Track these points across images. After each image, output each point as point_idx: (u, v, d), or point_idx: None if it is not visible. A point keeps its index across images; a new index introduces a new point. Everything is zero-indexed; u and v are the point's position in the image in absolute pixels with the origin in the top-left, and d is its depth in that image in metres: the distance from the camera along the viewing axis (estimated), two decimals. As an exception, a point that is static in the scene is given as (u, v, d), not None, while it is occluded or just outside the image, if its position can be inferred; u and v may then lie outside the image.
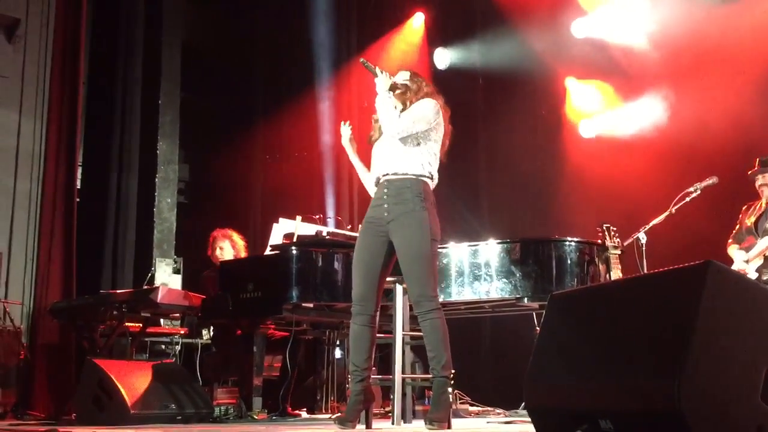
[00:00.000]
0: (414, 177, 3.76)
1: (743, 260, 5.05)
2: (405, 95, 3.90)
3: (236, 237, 5.95)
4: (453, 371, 3.73)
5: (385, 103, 3.82)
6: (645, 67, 7.34)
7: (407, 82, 3.94)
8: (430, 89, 3.96)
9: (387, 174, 3.81)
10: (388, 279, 4.04)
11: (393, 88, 3.89)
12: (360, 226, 3.93)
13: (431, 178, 3.83)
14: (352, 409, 3.72)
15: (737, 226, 5.29)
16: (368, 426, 3.87)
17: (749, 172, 5.19)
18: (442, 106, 3.91)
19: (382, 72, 3.90)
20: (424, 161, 3.80)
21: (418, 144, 3.78)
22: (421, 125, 3.78)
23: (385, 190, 3.80)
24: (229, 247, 5.85)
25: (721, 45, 6.48)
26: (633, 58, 7.48)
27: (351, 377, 3.78)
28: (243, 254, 5.87)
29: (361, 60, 3.99)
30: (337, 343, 5.94)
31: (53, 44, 6.74)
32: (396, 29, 8.75)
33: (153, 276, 7.13)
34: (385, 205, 3.78)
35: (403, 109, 3.88)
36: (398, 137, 3.76)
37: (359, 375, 3.74)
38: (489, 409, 5.97)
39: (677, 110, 6.84)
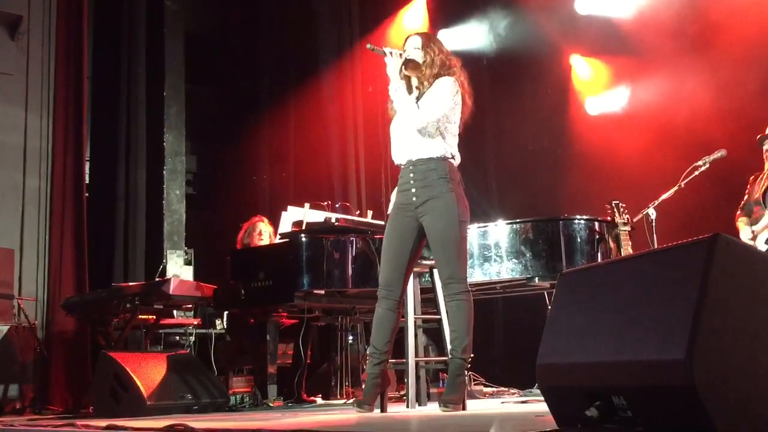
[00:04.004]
0: (437, 158, 3.74)
1: (749, 235, 5.04)
2: (421, 71, 3.79)
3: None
4: (472, 355, 3.74)
5: (401, 96, 3.74)
6: (650, 42, 7.28)
7: (420, 54, 3.81)
8: (447, 59, 3.85)
9: (410, 159, 3.79)
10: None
11: (407, 64, 3.77)
12: (389, 211, 3.92)
13: (453, 158, 3.81)
14: (369, 391, 3.73)
15: (745, 197, 5.26)
16: (383, 410, 3.88)
17: (758, 137, 5.15)
18: (462, 82, 3.83)
19: (391, 53, 3.78)
20: (446, 143, 3.78)
21: (438, 127, 3.75)
22: (440, 111, 3.72)
23: (411, 175, 3.78)
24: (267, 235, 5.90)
25: (726, 18, 6.42)
26: (638, 34, 7.42)
27: (369, 359, 3.78)
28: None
29: (368, 45, 3.88)
30: (350, 328, 5.96)
31: (56, 40, 6.75)
32: (398, 12, 8.71)
33: (164, 268, 7.17)
34: (413, 190, 3.76)
35: (420, 87, 3.78)
36: (419, 127, 3.72)
37: (378, 358, 3.74)
38: (503, 389, 5.99)
39: (684, 84, 6.79)
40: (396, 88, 3.77)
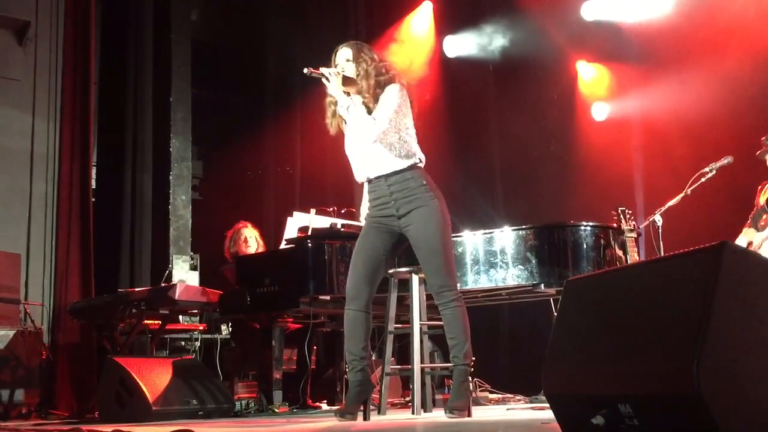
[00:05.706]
0: (409, 167, 3.70)
1: (747, 240, 5.00)
2: (356, 84, 3.72)
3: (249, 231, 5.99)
4: (473, 359, 3.72)
5: (354, 113, 3.65)
6: (656, 48, 7.28)
7: (353, 66, 3.74)
8: (381, 66, 3.77)
9: (382, 173, 3.72)
10: (404, 269, 4.06)
11: (343, 81, 3.70)
12: (364, 224, 3.86)
13: (421, 161, 3.76)
14: (353, 399, 3.66)
15: (754, 208, 5.24)
16: (365, 418, 3.79)
17: (758, 153, 5.11)
18: (405, 83, 3.77)
19: (329, 74, 3.69)
20: (411, 148, 3.73)
21: (398, 133, 3.69)
22: (394, 116, 3.66)
23: (387, 188, 3.71)
24: (254, 241, 5.91)
25: (733, 23, 6.42)
26: (644, 39, 7.42)
27: (348, 367, 3.71)
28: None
29: (305, 70, 3.72)
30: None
31: (64, 45, 6.75)
32: (404, 19, 8.72)
33: (170, 273, 7.17)
34: (392, 202, 3.71)
35: (366, 100, 3.69)
36: (379, 138, 3.65)
37: (357, 364, 3.67)
38: (509, 396, 5.97)
39: (690, 90, 6.78)
40: (346, 106, 3.67)
